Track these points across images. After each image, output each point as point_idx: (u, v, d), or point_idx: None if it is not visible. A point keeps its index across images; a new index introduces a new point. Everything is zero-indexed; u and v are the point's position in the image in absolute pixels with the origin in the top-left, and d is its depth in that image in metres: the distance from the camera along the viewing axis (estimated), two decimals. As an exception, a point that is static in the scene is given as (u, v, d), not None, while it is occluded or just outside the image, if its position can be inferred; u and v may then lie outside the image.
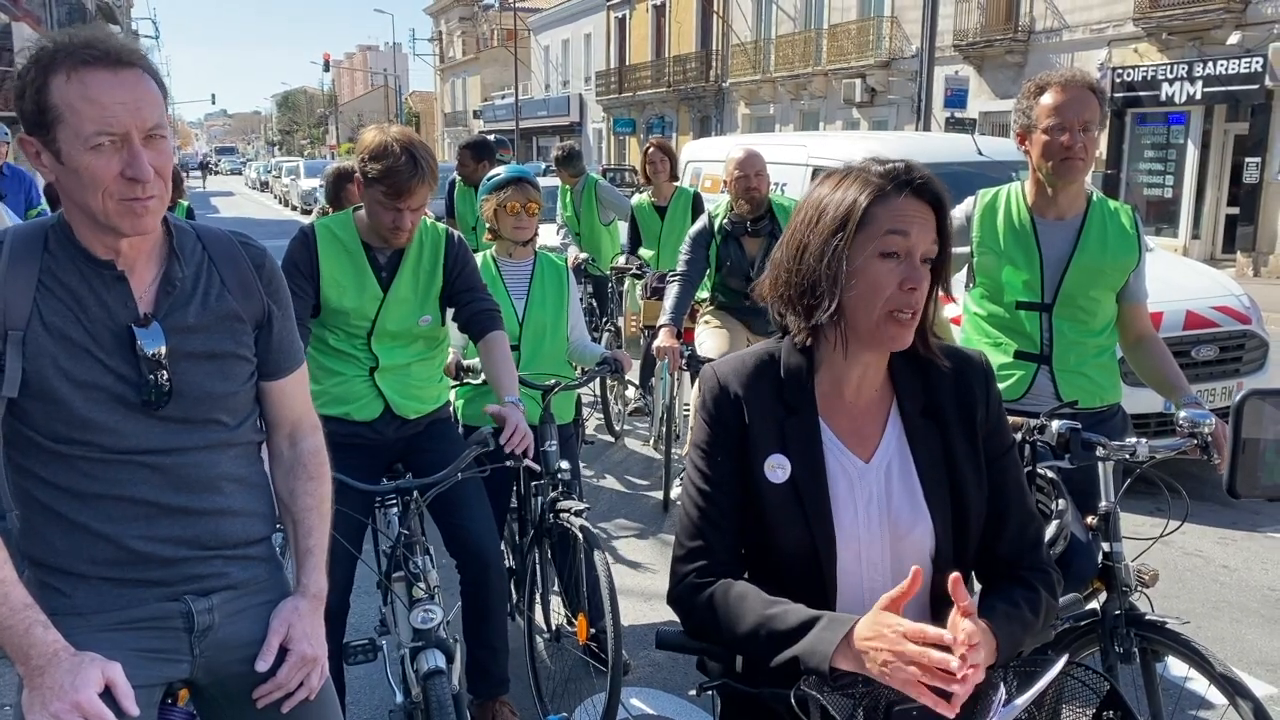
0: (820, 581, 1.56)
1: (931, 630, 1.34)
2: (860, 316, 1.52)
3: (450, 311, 3.07)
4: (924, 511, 1.56)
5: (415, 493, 2.67)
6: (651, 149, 6.74)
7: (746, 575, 1.62)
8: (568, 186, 7.28)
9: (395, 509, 2.73)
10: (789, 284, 1.57)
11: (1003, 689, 1.42)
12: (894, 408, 1.62)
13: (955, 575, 1.37)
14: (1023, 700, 1.40)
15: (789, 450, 1.57)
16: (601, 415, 6.82)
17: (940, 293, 1.58)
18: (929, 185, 1.53)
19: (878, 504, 1.57)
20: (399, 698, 2.78)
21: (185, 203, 7.76)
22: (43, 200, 6.56)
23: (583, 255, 6.93)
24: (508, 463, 2.74)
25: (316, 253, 2.84)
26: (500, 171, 3.69)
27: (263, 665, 1.70)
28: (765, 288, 1.63)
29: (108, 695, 1.51)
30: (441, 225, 3.05)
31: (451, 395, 3.42)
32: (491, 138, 7.46)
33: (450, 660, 2.53)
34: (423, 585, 2.60)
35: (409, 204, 2.73)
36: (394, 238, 2.82)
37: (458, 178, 7.14)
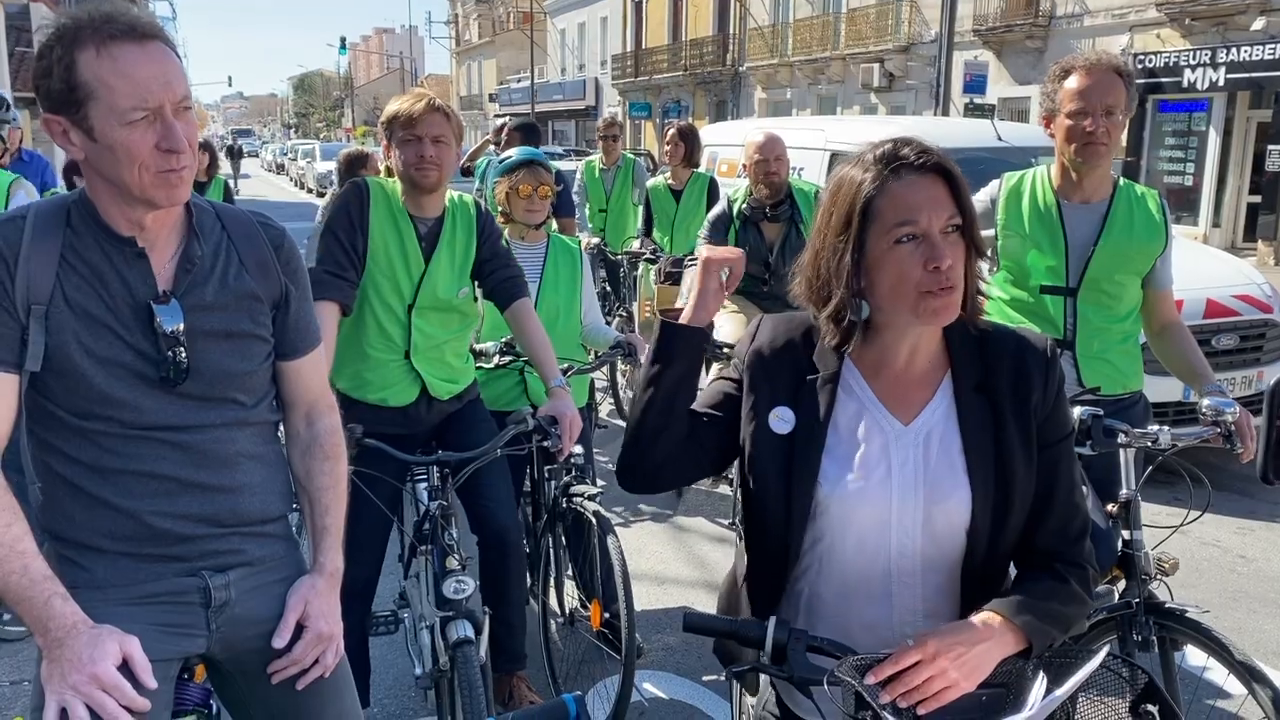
0: (785, 540, 1.58)
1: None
2: (897, 304, 1.50)
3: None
4: (964, 481, 1.54)
5: (449, 466, 2.75)
6: (670, 132, 6.72)
7: (741, 524, 1.62)
8: (594, 163, 7.27)
9: (424, 483, 2.79)
10: (810, 289, 1.58)
11: (1043, 679, 1.40)
12: (947, 379, 1.59)
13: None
14: (1063, 692, 1.38)
15: (799, 407, 1.58)
16: (614, 400, 6.81)
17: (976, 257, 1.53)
18: (926, 159, 1.48)
19: (913, 467, 1.55)
20: (418, 669, 2.81)
21: (221, 177, 7.88)
22: (58, 182, 6.56)
23: (594, 240, 6.91)
24: (544, 443, 2.80)
25: (368, 205, 2.86)
26: (512, 154, 3.69)
27: (279, 642, 1.71)
28: (799, 291, 1.63)
29: (125, 668, 1.51)
30: (468, 195, 3.07)
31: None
32: (506, 119, 7.44)
33: (479, 632, 2.58)
34: (455, 557, 2.65)
35: (426, 132, 2.78)
36: (421, 178, 2.81)
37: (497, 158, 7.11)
